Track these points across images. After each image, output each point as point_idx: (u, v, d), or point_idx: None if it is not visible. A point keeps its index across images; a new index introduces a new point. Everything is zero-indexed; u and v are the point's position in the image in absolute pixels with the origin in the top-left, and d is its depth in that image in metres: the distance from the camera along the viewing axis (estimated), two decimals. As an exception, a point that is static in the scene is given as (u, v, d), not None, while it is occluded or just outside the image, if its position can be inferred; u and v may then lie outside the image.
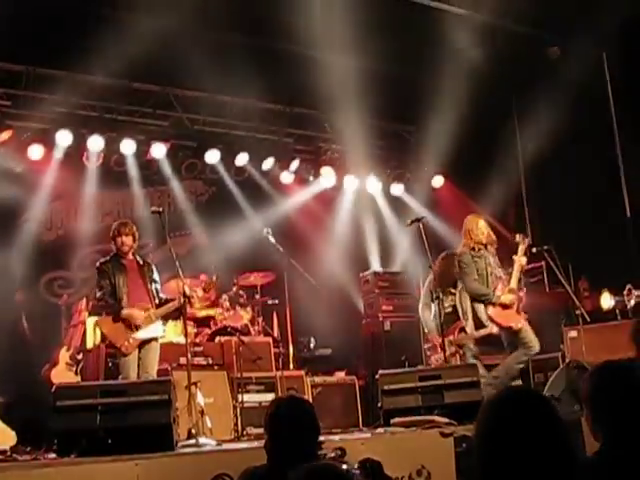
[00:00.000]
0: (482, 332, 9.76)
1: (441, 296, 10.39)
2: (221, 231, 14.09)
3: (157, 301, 8.99)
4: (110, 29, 10.72)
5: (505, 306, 9.47)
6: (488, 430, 2.57)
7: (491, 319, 9.50)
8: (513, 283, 9.61)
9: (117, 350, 8.68)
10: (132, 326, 8.63)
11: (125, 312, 8.67)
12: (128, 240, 8.99)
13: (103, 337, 9.22)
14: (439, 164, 14.74)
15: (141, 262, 9.14)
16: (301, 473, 2.39)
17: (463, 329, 10.17)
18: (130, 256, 9.06)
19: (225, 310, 11.55)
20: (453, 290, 10.46)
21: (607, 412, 3.25)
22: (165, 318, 9.18)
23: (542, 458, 2.42)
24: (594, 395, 3.37)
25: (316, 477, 2.36)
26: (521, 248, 9.82)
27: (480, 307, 9.63)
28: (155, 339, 8.88)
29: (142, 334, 8.69)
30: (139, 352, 8.72)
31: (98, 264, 9.03)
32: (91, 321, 10.59)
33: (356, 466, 4.74)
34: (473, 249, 9.75)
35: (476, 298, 9.64)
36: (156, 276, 9.21)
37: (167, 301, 9.02)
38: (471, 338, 9.93)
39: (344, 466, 4.36)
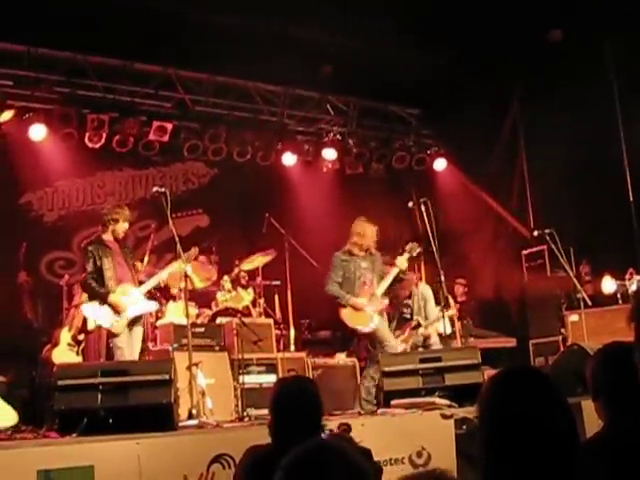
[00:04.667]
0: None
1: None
2: (223, 213, 14.09)
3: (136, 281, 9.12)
4: (112, 9, 10.67)
5: (357, 309, 9.70)
6: (492, 409, 2.56)
7: (342, 319, 9.78)
8: (379, 290, 9.80)
9: (108, 331, 8.77)
10: (118, 312, 8.72)
11: (111, 299, 8.72)
12: (125, 226, 9.18)
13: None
14: (441, 147, 14.73)
15: (121, 244, 9.24)
16: (300, 453, 2.32)
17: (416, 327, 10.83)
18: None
19: (226, 291, 11.53)
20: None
21: (611, 392, 3.26)
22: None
23: (546, 435, 2.42)
24: (599, 374, 3.38)
25: (316, 458, 2.29)
26: (405, 257, 9.99)
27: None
28: (140, 323, 9.00)
29: (130, 312, 8.78)
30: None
31: (83, 245, 9.17)
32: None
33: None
34: (349, 252, 9.86)
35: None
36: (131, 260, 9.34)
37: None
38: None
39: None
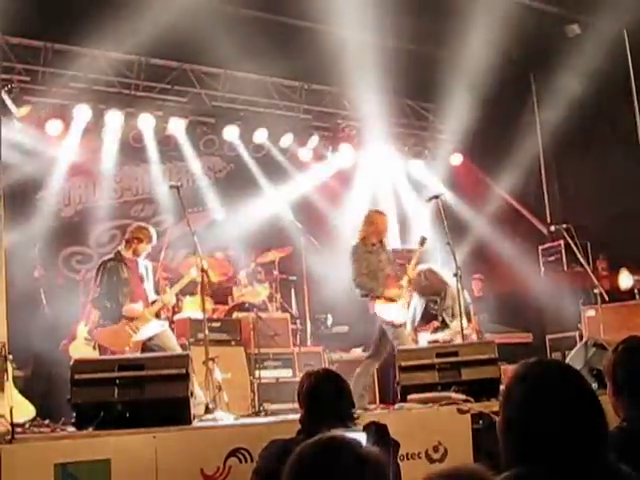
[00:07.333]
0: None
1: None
2: (239, 208, 14.10)
3: (150, 299, 9.04)
4: (128, 4, 10.69)
5: (391, 300, 9.55)
6: (522, 402, 2.49)
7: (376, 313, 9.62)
8: (404, 281, 9.77)
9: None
10: (132, 326, 8.65)
11: (125, 309, 8.68)
12: (148, 247, 9.09)
13: (104, 350, 9.09)
14: (458, 142, 14.69)
15: (140, 262, 9.13)
16: (313, 448, 2.30)
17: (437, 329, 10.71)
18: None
19: (243, 286, 11.55)
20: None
21: (629, 386, 3.23)
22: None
23: (578, 429, 2.38)
24: (617, 369, 3.35)
25: (329, 452, 2.28)
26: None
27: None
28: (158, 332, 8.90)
29: (141, 335, 8.69)
30: (147, 345, 8.74)
31: (101, 261, 9.04)
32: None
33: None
34: (369, 244, 9.71)
35: (362, 291, 9.62)
36: (151, 275, 9.25)
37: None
38: None
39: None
